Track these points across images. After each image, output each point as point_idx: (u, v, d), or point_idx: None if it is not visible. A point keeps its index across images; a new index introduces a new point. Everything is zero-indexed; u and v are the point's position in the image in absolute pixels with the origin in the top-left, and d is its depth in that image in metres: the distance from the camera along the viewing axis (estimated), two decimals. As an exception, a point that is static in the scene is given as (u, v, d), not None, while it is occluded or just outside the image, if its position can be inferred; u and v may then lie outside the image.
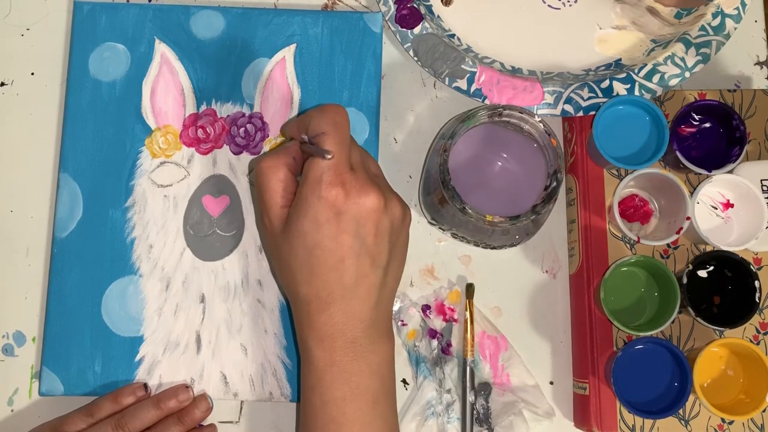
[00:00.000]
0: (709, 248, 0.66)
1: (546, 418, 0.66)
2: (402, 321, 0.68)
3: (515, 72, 0.70)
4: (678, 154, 0.65)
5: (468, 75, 0.68)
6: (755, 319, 0.65)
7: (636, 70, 0.68)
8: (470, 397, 0.66)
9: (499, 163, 0.65)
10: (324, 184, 0.55)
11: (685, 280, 0.63)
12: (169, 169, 0.68)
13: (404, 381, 0.68)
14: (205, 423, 0.65)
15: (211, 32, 0.70)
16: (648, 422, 0.64)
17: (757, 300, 0.62)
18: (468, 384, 0.66)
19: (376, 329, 0.57)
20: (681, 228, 0.64)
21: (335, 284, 0.56)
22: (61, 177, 0.68)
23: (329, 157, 0.55)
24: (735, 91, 0.69)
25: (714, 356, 0.64)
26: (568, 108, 0.68)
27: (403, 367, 0.68)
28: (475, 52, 0.71)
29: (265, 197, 0.58)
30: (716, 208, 0.67)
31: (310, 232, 0.55)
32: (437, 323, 0.68)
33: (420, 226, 0.70)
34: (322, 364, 0.56)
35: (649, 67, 0.68)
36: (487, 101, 0.68)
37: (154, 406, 0.63)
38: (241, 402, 0.67)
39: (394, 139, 0.71)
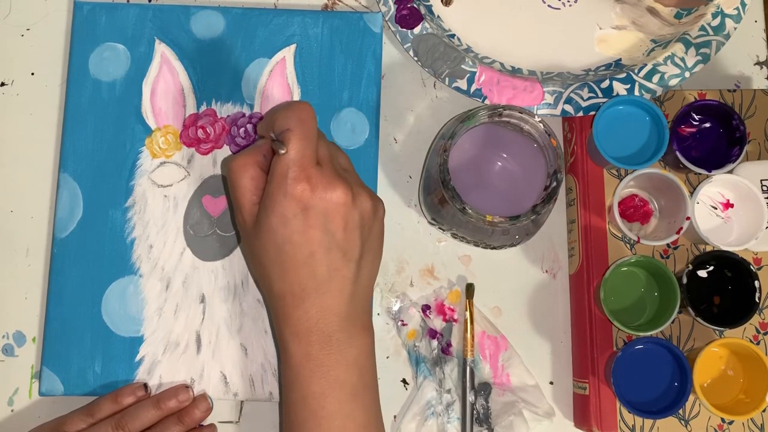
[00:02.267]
0: (709, 248, 0.66)
1: (546, 418, 0.66)
2: (402, 321, 0.68)
3: (515, 72, 0.70)
4: (678, 154, 0.65)
5: (468, 75, 0.68)
6: (755, 319, 0.65)
7: (636, 70, 0.68)
8: (470, 397, 0.66)
9: (499, 163, 0.65)
10: (289, 180, 0.55)
11: (685, 280, 0.63)
12: (169, 169, 0.68)
13: (404, 381, 0.68)
14: (205, 423, 0.65)
15: (211, 32, 0.70)
16: (648, 422, 0.64)
17: (757, 300, 0.62)
18: (468, 384, 0.66)
19: (352, 323, 0.57)
20: (681, 228, 0.64)
21: (308, 279, 0.56)
22: (61, 177, 0.68)
23: (282, 152, 0.55)
24: (735, 91, 0.69)
25: (714, 356, 0.64)
26: (568, 108, 0.68)
27: (403, 367, 0.68)
28: (475, 52, 0.71)
29: (237, 195, 0.58)
30: (716, 208, 0.67)
31: (279, 228, 0.56)
32: (437, 323, 0.68)
33: (420, 226, 0.70)
34: (299, 359, 0.56)
35: (649, 67, 0.68)
36: (487, 101, 0.68)
37: (154, 406, 0.63)
38: (241, 402, 0.67)
39: (394, 139, 0.71)
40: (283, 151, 0.55)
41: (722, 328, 0.64)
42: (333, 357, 0.56)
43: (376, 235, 0.59)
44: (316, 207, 0.55)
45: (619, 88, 0.68)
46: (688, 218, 0.64)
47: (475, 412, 0.66)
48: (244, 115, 0.69)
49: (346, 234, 0.56)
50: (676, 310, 0.63)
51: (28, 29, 0.72)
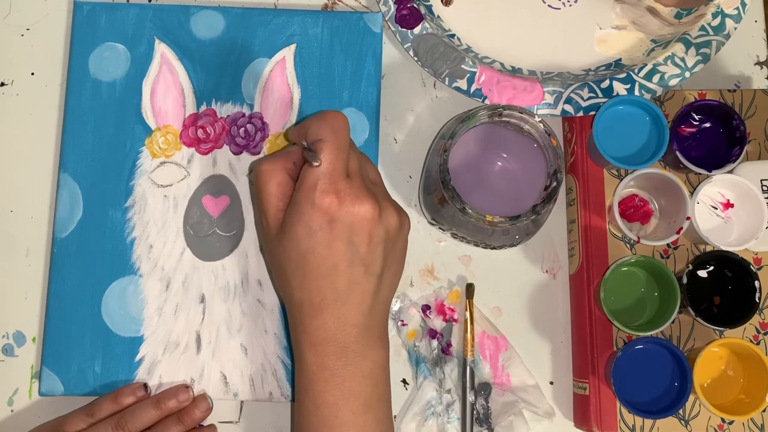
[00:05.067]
0: (709, 248, 0.66)
1: (546, 418, 0.66)
2: (402, 321, 0.68)
3: (515, 72, 0.70)
4: (678, 154, 0.65)
5: (468, 75, 0.68)
6: (755, 319, 0.65)
7: (636, 70, 0.68)
8: (470, 397, 0.66)
9: (499, 163, 0.65)
10: (318, 191, 0.55)
11: (685, 280, 0.63)
12: (169, 169, 0.68)
13: (404, 381, 0.68)
14: (205, 423, 0.65)
15: (211, 32, 0.70)
16: (648, 422, 0.64)
17: (757, 300, 0.62)
18: (468, 384, 0.66)
19: (369, 335, 0.57)
20: (681, 228, 0.64)
21: (328, 290, 0.56)
22: (61, 177, 0.68)
23: (316, 164, 0.55)
24: (735, 91, 0.69)
25: (714, 356, 0.64)
26: (568, 108, 0.68)
27: (403, 367, 0.68)
28: (475, 52, 0.71)
29: (263, 200, 0.58)
30: (716, 208, 0.67)
31: (304, 238, 0.56)
32: (437, 323, 0.68)
33: (420, 226, 0.70)
34: (314, 369, 0.56)
35: (649, 67, 0.68)
36: (487, 101, 0.68)
37: (154, 406, 0.63)
38: (241, 402, 0.67)
39: (394, 139, 0.71)
40: (317, 164, 0.55)
41: (722, 328, 0.64)
42: (348, 368, 0.56)
43: (399, 250, 0.59)
44: (342, 220, 0.55)
45: (619, 88, 0.68)
46: (688, 218, 0.64)
47: (475, 412, 0.66)
48: (244, 115, 0.69)
49: (370, 248, 0.56)
50: (676, 310, 0.63)
51: (28, 29, 0.72)
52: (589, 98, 0.68)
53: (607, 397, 0.64)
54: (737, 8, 0.69)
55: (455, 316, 0.68)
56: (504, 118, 0.63)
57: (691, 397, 0.63)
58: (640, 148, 0.67)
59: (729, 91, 0.69)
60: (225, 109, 0.69)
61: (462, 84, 0.68)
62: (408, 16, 0.69)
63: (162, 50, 0.69)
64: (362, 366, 0.57)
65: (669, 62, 0.68)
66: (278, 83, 0.69)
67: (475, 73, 0.68)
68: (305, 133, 0.57)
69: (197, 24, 0.70)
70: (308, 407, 0.57)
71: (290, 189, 0.58)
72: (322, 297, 0.56)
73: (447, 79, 0.69)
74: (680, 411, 0.64)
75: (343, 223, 0.55)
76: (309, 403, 0.57)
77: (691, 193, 0.65)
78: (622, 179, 0.66)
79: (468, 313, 0.67)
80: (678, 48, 0.69)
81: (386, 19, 0.70)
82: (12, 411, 0.67)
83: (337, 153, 0.56)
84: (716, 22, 0.69)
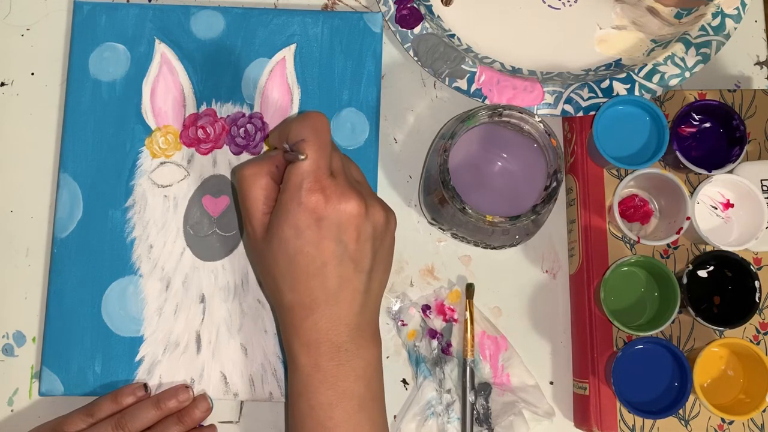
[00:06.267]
0: (709, 248, 0.66)
1: (546, 418, 0.66)
2: (402, 321, 0.68)
3: (515, 72, 0.70)
4: (678, 154, 0.65)
5: (468, 75, 0.68)
6: (755, 319, 0.65)
7: (636, 70, 0.68)
8: (470, 397, 0.66)
9: (499, 163, 0.65)
10: (304, 190, 0.55)
11: (685, 280, 0.63)
12: (169, 169, 0.68)
13: (404, 381, 0.68)
14: (205, 423, 0.65)
15: (211, 32, 0.70)
16: (648, 422, 0.64)
17: (757, 300, 0.62)
18: (468, 384, 0.66)
19: (361, 334, 0.57)
20: (681, 228, 0.64)
21: (318, 290, 0.56)
22: (61, 177, 0.68)
23: (302, 157, 0.55)
24: (735, 91, 0.69)
25: (714, 356, 0.64)
26: (568, 108, 0.68)
27: (403, 367, 0.68)
28: (475, 52, 0.71)
29: (247, 205, 0.58)
30: (716, 208, 0.67)
31: (291, 238, 0.55)
32: (437, 323, 0.68)
33: (420, 226, 0.70)
34: (307, 370, 0.56)
35: (649, 67, 0.68)
36: (487, 101, 0.68)
37: (154, 406, 0.63)
38: (241, 402, 0.67)
39: (394, 139, 0.71)
40: (303, 157, 0.55)
41: (722, 328, 0.64)
42: (342, 368, 0.56)
43: (387, 246, 0.59)
44: (330, 218, 0.55)
45: (619, 88, 0.68)
46: (688, 218, 0.64)
47: (475, 412, 0.66)
48: (244, 115, 0.69)
49: (359, 245, 0.56)
50: (676, 310, 0.63)
51: (28, 29, 0.72)
52: (589, 98, 0.68)
53: (607, 397, 0.64)
54: (737, 8, 0.69)
55: (455, 316, 0.68)
56: (504, 118, 0.63)
57: (691, 397, 0.63)
58: (640, 148, 0.67)
59: (729, 91, 0.69)
60: (225, 109, 0.69)
61: (462, 84, 0.68)
62: (408, 16, 0.69)
63: (162, 50, 0.69)
64: (356, 365, 0.56)
65: (669, 62, 0.68)
66: (278, 83, 0.69)
67: (475, 73, 0.68)
68: (287, 135, 0.57)
69: (197, 24, 0.70)
70: (302, 409, 0.57)
71: (275, 192, 0.58)
72: (313, 297, 0.56)
73: (447, 79, 0.69)
74: (680, 411, 0.64)
75: (330, 221, 0.55)
76: (303, 404, 0.56)
77: (691, 193, 0.65)
78: (622, 179, 0.66)
79: (468, 313, 0.67)
80: (678, 48, 0.69)
81: (386, 19, 0.70)
82: (12, 411, 0.67)
83: (320, 152, 0.56)
84: (716, 22, 0.69)
